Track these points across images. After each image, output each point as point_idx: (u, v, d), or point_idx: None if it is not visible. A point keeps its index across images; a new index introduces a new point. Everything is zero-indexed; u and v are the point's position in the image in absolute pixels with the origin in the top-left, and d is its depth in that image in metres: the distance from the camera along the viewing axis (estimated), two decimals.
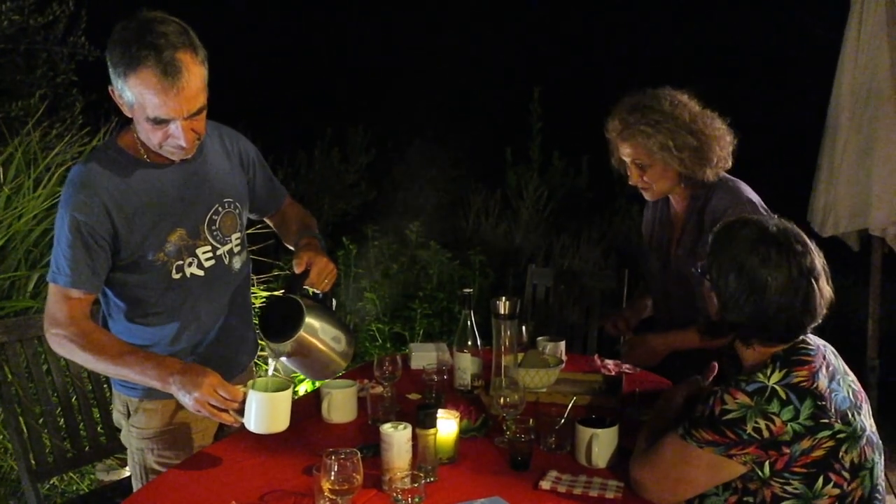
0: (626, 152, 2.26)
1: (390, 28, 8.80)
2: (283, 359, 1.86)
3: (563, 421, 1.81)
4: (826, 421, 1.49)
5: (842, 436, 1.50)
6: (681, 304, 2.32)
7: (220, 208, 1.93)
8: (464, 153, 7.52)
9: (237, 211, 1.98)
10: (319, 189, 6.00)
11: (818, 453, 1.49)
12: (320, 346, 1.88)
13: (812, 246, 1.58)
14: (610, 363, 2.49)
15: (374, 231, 4.76)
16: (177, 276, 1.87)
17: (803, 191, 3.65)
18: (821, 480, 1.50)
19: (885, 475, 1.67)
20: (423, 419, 1.62)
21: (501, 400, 1.84)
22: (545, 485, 1.61)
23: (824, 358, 1.57)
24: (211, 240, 1.92)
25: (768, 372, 1.52)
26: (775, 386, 1.49)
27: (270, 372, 1.80)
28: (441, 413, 1.72)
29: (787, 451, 1.48)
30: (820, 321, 1.57)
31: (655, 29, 8.61)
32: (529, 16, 9.12)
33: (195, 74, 1.66)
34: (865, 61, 3.32)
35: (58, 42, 4.49)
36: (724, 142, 2.21)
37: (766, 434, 1.47)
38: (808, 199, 3.57)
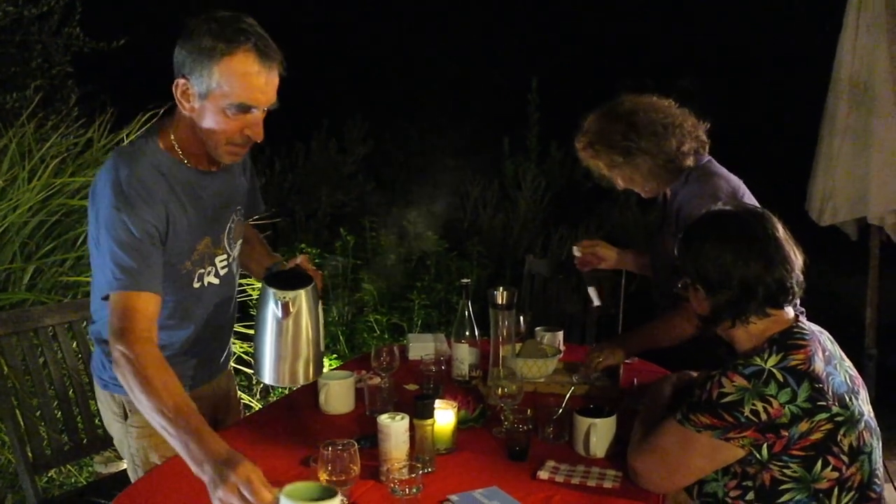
0: (602, 170, 2.37)
1: (388, 18, 8.76)
2: (271, 330, 1.79)
3: (560, 411, 1.81)
4: (823, 403, 1.49)
5: (840, 419, 1.50)
6: (666, 294, 2.33)
7: (234, 216, 1.92)
8: (461, 144, 7.51)
9: (241, 217, 1.98)
10: (317, 180, 5.99)
11: (817, 436, 1.49)
12: (310, 327, 1.81)
13: (773, 219, 1.63)
14: None
15: (372, 222, 4.75)
16: (196, 286, 1.84)
17: (801, 180, 3.64)
18: (819, 464, 1.50)
19: (884, 464, 1.67)
20: (420, 410, 1.62)
21: (499, 390, 1.83)
22: (543, 475, 1.61)
23: (820, 343, 1.58)
24: (227, 247, 1.90)
25: (765, 356, 1.52)
26: (772, 369, 1.50)
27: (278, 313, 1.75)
28: (439, 403, 1.72)
29: (786, 433, 1.48)
30: (799, 284, 1.60)
31: (654, 18, 8.58)
32: (527, 5, 9.09)
33: (278, 68, 1.67)
34: (863, 51, 3.32)
35: (53, 33, 4.47)
36: (672, 130, 2.22)
37: (763, 417, 1.47)
38: (806, 189, 3.57)
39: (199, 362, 1.95)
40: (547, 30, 9.00)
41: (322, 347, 1.90)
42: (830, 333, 1.70)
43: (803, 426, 1.48)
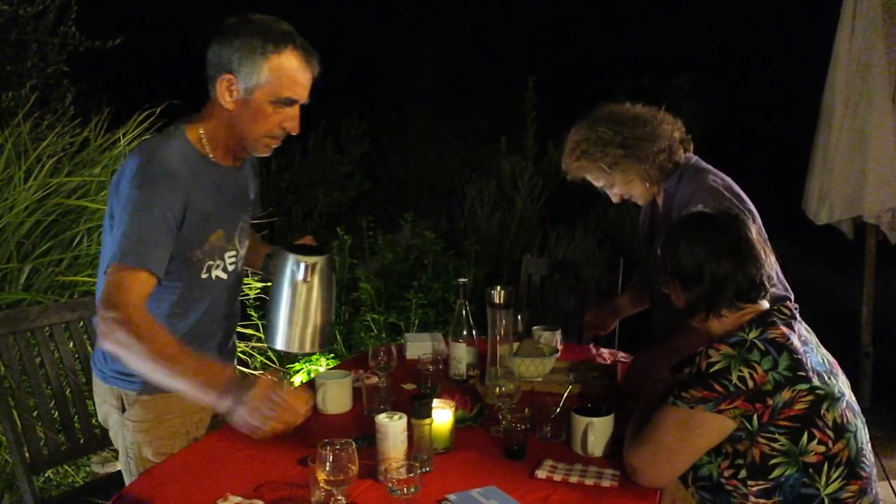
0: (595, 183, 2.34)
1: (384, 18, 8.76)
2: (288, 295, 1.87)
3: (558, 410, 1.81)
4: (803, 374, 1.57)
5: (820, 392, 1.57)
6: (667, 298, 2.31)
7: (246, 216, 1.99)
8: (458, 143, 7.51)
9: (250, 218, 2.04)
10: (313, 180, 5.98)
11: (799, 406, 1.55)
12: (325, 295, 1.90)
13: (747, 221, 1.74)
14: (605, 352, 2.49)
15: (369, 222, 4.75)
16: (204, 276, 1.86)
17: (798, 179, 3.65)
18: (805, 436, 1.56)
19: (880, 461, 1.69)
20: (418, 409, 1.62)
21: (497, 389, 1.84)
22: (541, 474, 1.62)
23: (794, 329, 1.66)
24: (237, 244, 1.95)
25: (746, 330, 1.62)
26: (754, 340, 1.59)
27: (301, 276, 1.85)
28: (436, 403, 1.72)
29: (771, 402, 1.54)
30: (769, 279, 1.70)
31: (650, 17, 8.59)
32: (524, 4, 9.09)
33: (316, 69, 1.82)
34: (859, 50, 3.33)
35: (48, 32, 4.45)
36: (659, 133, 2.21)
37: (750, 384, 1.54)
38: (803, 188, 3.57)
39: (209, 350, 1.96)
40: (544, 29, 9.00)
41: (332, 318, 1.99)
42: (826, 332, 1.78)
43: (786, 394, 1.55)
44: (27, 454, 2.09)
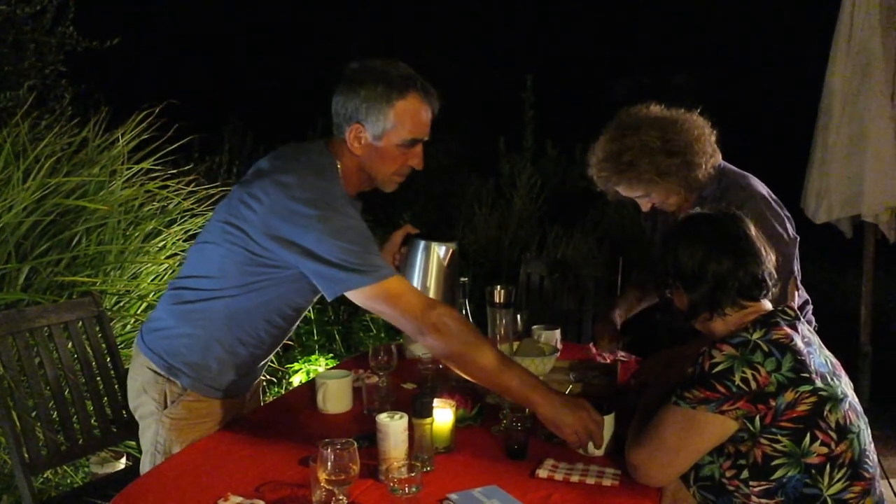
0: (623, 193, 2.22)
1: (381, 16, 8.76)
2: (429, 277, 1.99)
3: None
4: (806, 375, 1.56)
5: (823, 394, 1.56)
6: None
7: None
8: (456, 142, 7.50)
9: None
10: None
11: (802, 408, 1.54)
12: (454, 276, 2.03)
13: (745, 219, 1.74)
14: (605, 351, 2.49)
15: (368, 222, 4.74)
16: (291, 313, 1.94)
17: (796, 178, 3.65)
18: (808, 438, 1.55)
19: (880, 462, 1.69)
20: (419, 409, 1.62)
21: None
22: (542, 473, 1.61)
23: (798, 330, 1.65)
24: None
25: (750, 331, 1.60)
26: (758, 341, 1.58)
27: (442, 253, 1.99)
28: (437, 402, 1.72)
29: (773, 403, 1.54)
30: (771, 278, 1.70)
31: (649, 17, 8.60)
32: (522, 3, 9.10)
33: (435, 106, 1.89)
34: (857, 49, 3.32)
35: (46, 32, 4.44)
36: (703, 138, 2.14)
37: (753, 385, 1.53)
38: (801, 187, 3.57)
39: (263, 362, 2.04)
40: (542, 29, 9.01)
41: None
42: (825, 331, 1.77)
43: (789, 395, 1.54)
44: (26, 454, 2.09)
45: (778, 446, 1.55)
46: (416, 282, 1.99)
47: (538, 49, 8.57)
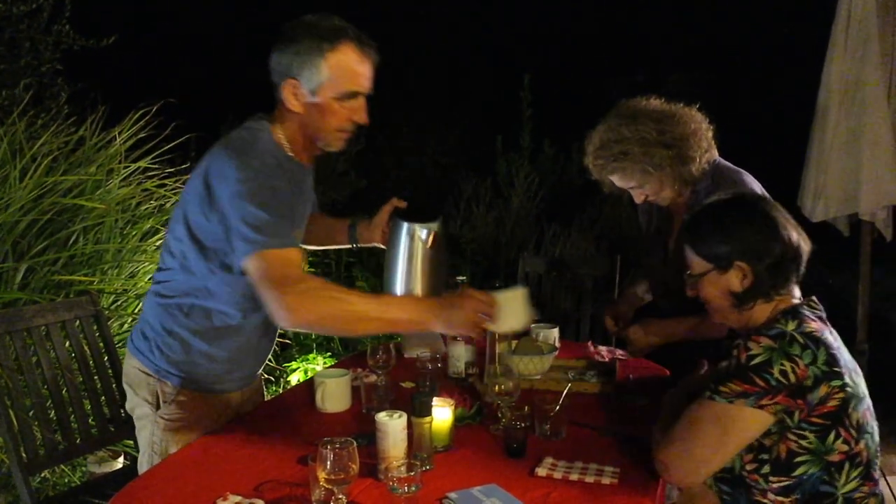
0: (617, 184, 2.22)
1: (379, 16, 8.74)
2: (404, 266, 1.96)
3: (558, 408, 1.81)
4: (838, 370, 1.53)
5: (850, 390, 1.54)
6: (680, 296, 2.29)
7: (308, 215, 2.03)
8: (454, 141, 7.50)
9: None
10: None
11: (832, 404, 1.52)
12: (440, 256, 2.01)
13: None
14: (603, 349, 2.49)
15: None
16: None
17: (793, 176, 3.66)
18: (832, 435, 1.54)
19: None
20: (417, 407, 1.62)
21: (496, 387, 1.83)
22: (541, 471, 1.61)
23: (826, 323, 1.63)
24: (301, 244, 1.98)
25: (783, 322, 1.57)
26: (793, 332, 1.54)
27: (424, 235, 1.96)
28: (436, 401, 1.72)
29: (809, 397, 1.51)
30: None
31: (646, 16, 8.60)
32: (519, 2, 9.09)
33: (375, 58, 1.83)
34: (854, 46, 3.33)
35: (42, 30, 4.43)
36: (699, 132, 2.15)
37: (791, 378, 1.50)
38: (798, 185, 3.58)
39: (261, 352, 2.02)
40: (539, 27, 9.00)
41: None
42: None
43: (823, 390, 1.51)
44: (24, 454, 2.08)
45: (803, 442, 1.54)
46: (400, 265, 1.97)
47: (536, 47, 8.57)
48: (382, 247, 2.09)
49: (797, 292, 1.67)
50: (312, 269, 4.21)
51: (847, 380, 1.54)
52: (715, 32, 8.15)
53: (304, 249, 1.86)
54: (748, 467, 1.59)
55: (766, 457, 1.57)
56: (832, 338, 1.59)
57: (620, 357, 2.40)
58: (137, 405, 1.95)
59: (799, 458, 1.55)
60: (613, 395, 2.11)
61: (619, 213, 5.60)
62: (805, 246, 1.65)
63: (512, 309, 1.79)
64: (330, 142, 1.87)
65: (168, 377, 1.89)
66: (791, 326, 1.56)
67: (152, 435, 1.91)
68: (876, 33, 3.27)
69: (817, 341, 1.54)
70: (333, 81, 1.76)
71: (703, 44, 8.01)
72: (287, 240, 1.71)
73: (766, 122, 7.14)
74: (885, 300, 4.22)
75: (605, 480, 1.59)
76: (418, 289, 1.97)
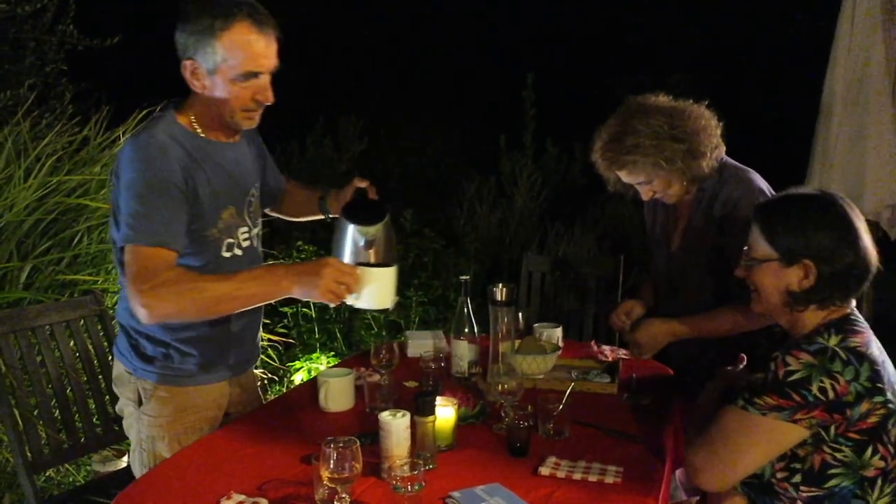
0: (625, 179, 2.19)
1: (383, 15, 8.74)
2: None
3: (561, 407, 1.81)
4: (881, 386, 1.50)
5: (892, 406, 1.51)
6: (686, 295, 2.28)
7: (254, 191, 2.00)
8: (457, 141, 7.50)
9: (259, 197, 2.05)
10: (312, 178, 5.97)
11: (872, 420, 1.50)
12: (390, 240, 2.00)
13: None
14: (607, 349, 2.49)
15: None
16: (227, 255, 1.89)
17: (797, 177, 3.65)
18: (869, 450, 1.51)
19: None
20: (421, 407, 1.62)
21: (499, 387, 1.83)
22: (544, 470, 1.61)
23: (873, 336, 1.59)
24: (248, 221, 1.97)
25: (826, 336, 1.53)
26: (835, 348, 1.50)
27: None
28: (439, 400, 1.72)
29: (849, 413, 1.48)
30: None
31: (649, 15, 8.59)
32: (522, 1, 9.09)
33: (275, 32, 1.77)
34: (858, 46, 3.32)
35: (46, 31, 4.44)
36: (709, 128, 2.13)
37: (830, 395, 1.47)
38: (802, 184, 3.57)
39: (235, 340, 1.98)
40: (542, 26, 9.00)
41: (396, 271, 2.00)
42: None
43: (864, 406, 1.48)
44: (28, 453, 2.09)
45: (839, 455, 1.51)
46: (345, 259, 1.95)
47: (539, 47, 8.56)
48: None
49: (853, 305, 1.62)
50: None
51: (889, 396, 1.50)
52: (718, 32, 8.13)
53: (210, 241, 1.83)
54: (779, 475, 1.57)
55: (798, 466, 1.55)
56: (878, 352, 1.55)
57: (624, 356, 2.40)
58: (124, 405, 1.97)
59: (833, 471, 1.52)
60: (617, 395, 2.11)
61: (623, 213, 5.60)
62: (873, 265, 1.59)
63: (377, 286, 1.76)
64: (236, 122, 1.83)
65: (146, 375, 1.89)
66: (833, 341, 1.51)
67: (139, 433, 1.93)
68: (880, 33, 3.26)
69: (861, 357, 1.50)
70: (229, 63, 1.71)
71: (706, 44, 7.99)
72: (156, 237, 1.68)
73: (770, 122, 7.13)
74: (890, 300, 4.21)
75: (609, 480, 1.59)
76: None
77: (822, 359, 1.49)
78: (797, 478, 1.55)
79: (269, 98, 1.80)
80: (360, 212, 1.96)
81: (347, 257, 1.96)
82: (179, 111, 1.84)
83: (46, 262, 2.98)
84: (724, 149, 2.18)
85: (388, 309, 1.85)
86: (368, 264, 1.82)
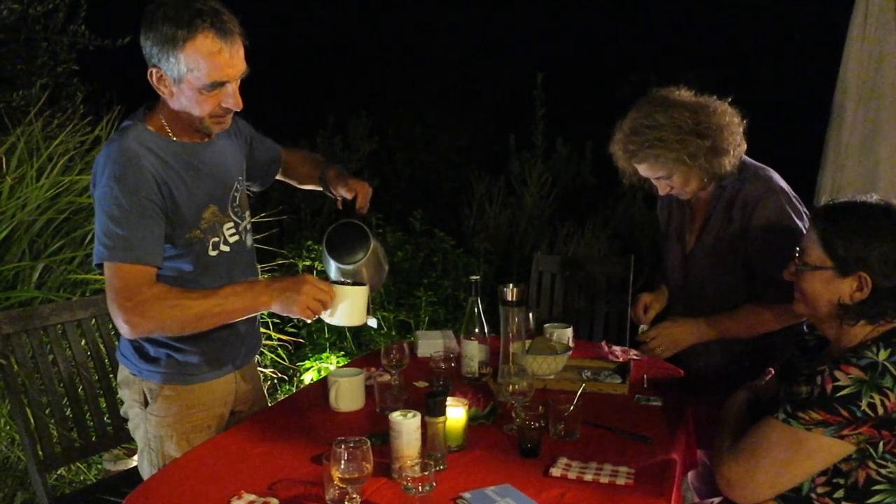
0: (643, 173, 2.16)
1: (392, 15, 8.75)
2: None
3: (572, 408, 1.80)
4: None
5: None
6: (700, 294, 2.26)
7: (237, 185, 1.99)
8: (467, 140, 7.49)
9: (245, 188, 2.06)
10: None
11: None
12: (378, 260, 2.04)
13: None
14: (617, 349, 2.48)
15: (378, 219, 4.75)
16: (213, 254, 1.90)
17: (809, 175, 3.63)
18: None
19: None
20: (431, 407, 1.62)
21: (510, 387, 1.83)
22: (555, 472, 1.61)
23: None
24: (233, 216, 1.96)
25: (875, 350, 1.49)
26: (885, 363, 1.46)
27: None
28: (449, 401, 1.72)
29: None
30: None
31: (660, 12, 8.55)
32: (532, 1, 9.07)
33: (240, 38, 1.74)
34: (871, 45, 3.30)
35: (58, 31, 4.46)
36: (733, 125, 2.10)
37: (880, 411, 1.43)
38: (815, 184, 3.55)
39: (236, 335, 1.99)
40: (552, 25, 8.97)
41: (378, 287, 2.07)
42: None
43: None
44: (40, 452, 2.10)
45: (884, 471, 1.48)
46: (333, 273, 2.00)
47: (549, 46, 8.54)
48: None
49: None
50: None
51: None
52: (729, 31, 8.09)
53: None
54: (819, 490, 1.53)
55: (841, 481, 1.51)
56: None
57: (635, 357, 2.39)
58: (130, 407, 1.97)
59: (877, 486, 1.49)
60: (628, 396, 2.10)
61: (633, 212, 5.57)
62: None
63: (350, 304, 1.83)
64: (206, 128, 1.82)
65: (151, 375, 1.90)
66: (883, 356, 1.47)
67: (146, 434, 1.93)
68: (893, 31, 3.24)
69: None
70: (194, 73, 1.69)
71: (717, 42, 7.95)
72: (131, 254, 1.69)
73: (782, 121, 7.09)
74: None
75: (620, 481, 1.58)
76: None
77: (873, 374, 1.44)
78: (840, 493, 1.52)
79: (237, 105, 1.78)
80: (341, 244, 1.97)
81: (333, 273, 1.99)
82: (150, 116, 1.83)
83: (58, 262, 3.00)
84: (745, 146, 2.16)
85: (365, 325, 1.89)
86: (343, 283, 1.87)
